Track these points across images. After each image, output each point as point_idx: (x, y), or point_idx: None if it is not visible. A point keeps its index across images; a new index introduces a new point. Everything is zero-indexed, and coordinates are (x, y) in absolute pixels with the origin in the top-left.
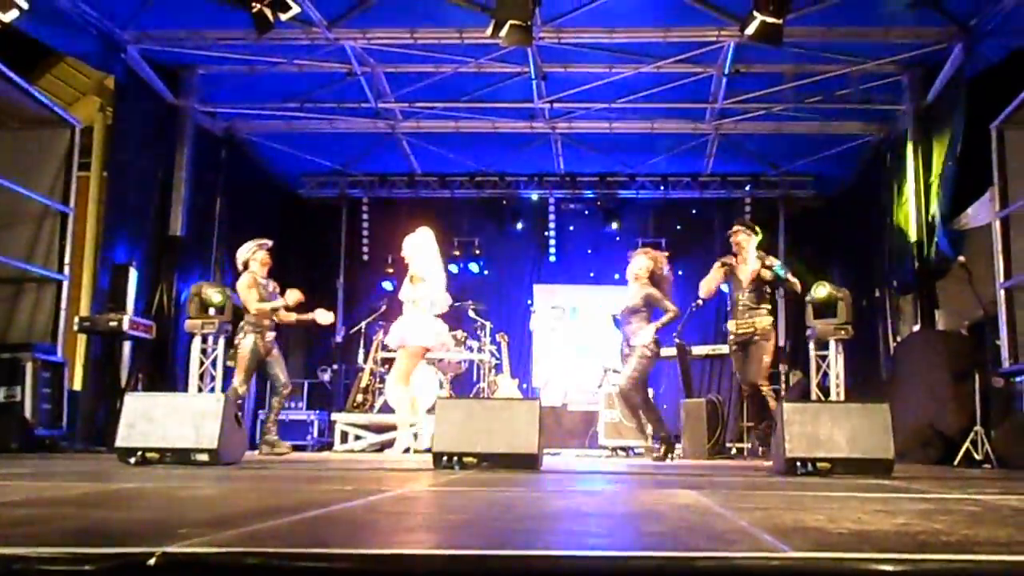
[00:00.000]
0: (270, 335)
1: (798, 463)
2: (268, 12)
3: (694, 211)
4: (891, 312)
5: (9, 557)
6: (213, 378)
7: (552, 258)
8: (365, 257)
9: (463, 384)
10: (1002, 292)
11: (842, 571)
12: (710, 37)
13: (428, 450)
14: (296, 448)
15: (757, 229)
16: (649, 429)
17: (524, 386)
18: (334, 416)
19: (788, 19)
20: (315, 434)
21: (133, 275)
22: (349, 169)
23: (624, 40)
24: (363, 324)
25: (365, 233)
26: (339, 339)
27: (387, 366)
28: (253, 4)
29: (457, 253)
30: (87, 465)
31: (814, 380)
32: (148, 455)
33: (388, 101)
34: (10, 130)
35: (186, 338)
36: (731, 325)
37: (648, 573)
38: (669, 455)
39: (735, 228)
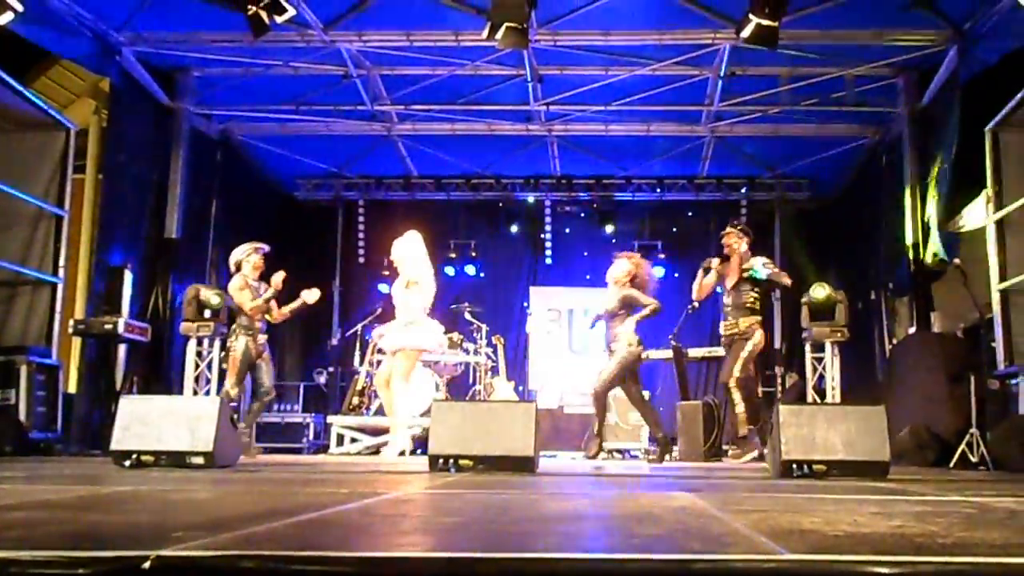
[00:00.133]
0: (262, 338)
1: (794, 465)
2: (264, 14)
3: (690, 213)
4: (887, 314)
5: (3, 561)
6: (208, 381)
7: (548, 260)
8: (361, 259)
9: (459, 387)
10: (997, 294)
11: (838, 573)
12: (706, 40)
13: (402, 453)
14: (292, 451)
15: (748, 231)
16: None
17: (520, 388)
18: (330, 419)
19: (784, 22)
20: (311, 437)
21: (128, 278)
22: (345, 171)
23: (620, 43)
24: (359, 326)
25: (361, 235)
26: (335, 341)
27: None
28: (249, 6)
29: (453, 255)
30: (82, 468)
31: (810, 382)
32: (143, 458)
33: (384, 103)
34: (5, 132)
35: (181, 341)
36: (720, 327)
37: (642, 574)
38: (666, 456)
39: (727, 231)
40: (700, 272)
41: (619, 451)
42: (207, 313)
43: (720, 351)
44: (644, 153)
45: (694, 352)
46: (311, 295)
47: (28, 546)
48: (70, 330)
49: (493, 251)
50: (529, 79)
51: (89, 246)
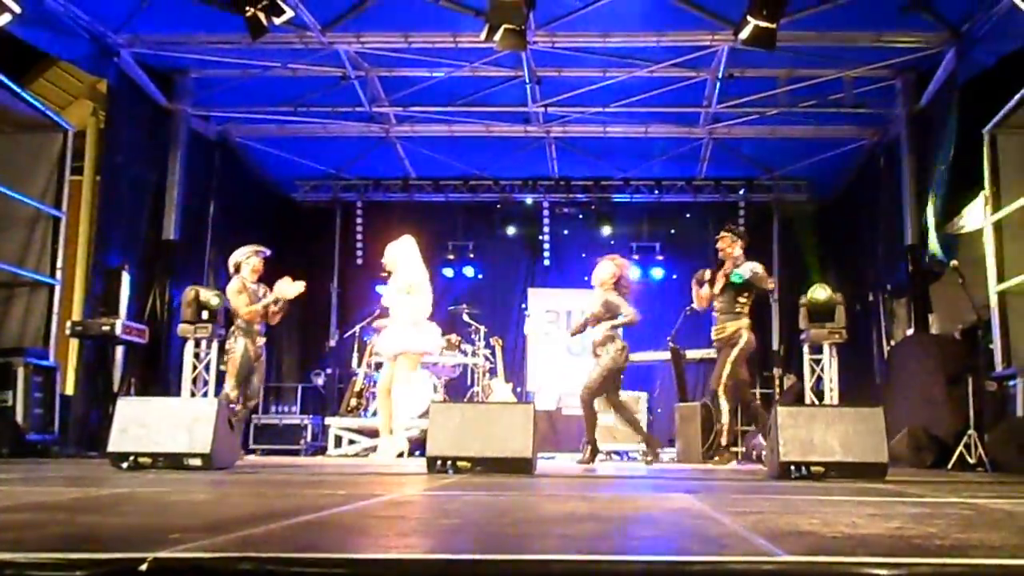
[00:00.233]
0: (260, 340)
1: (792, 467)
2: (262, 16)
3: (688, 215)
4: (885, 316)
5: (0, 563)
6: (206, 382)
7: (546, 262)
8: (359, 261)
9: (457, 388)
10: (995, 296)
11: (836, 575)
12: (704, 41)
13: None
14: (289, 452)
15: (742, 235)
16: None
17: (518, 390)
18: (328, 420)
19: (782, 23)
20: (309, 438)
21: (126, 279)
22: (343, 173)
23: (618, 44)
24: (357, 328)
25: (359, 237)
26: (333, 343)
27: (380, 370)
28: (247, 8)
29: (451, 257)
30: (79, 470)
31: (808, 384)
32: (141, 460)
33: (382, 105)
34: (2, 134)
35: (179, 342)
36: (711, 331)
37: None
38: (657, 451)
39: (721, 235)
40: (694, 284)
41: (616, 453)
42: (204, 315)
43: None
44: (642, 155)
45: (692, 354)
46: (287, 289)
47: (25, 548)
48: (67, 332)
49: (491, 253)
50: (527, 81)
51: (87, 248)
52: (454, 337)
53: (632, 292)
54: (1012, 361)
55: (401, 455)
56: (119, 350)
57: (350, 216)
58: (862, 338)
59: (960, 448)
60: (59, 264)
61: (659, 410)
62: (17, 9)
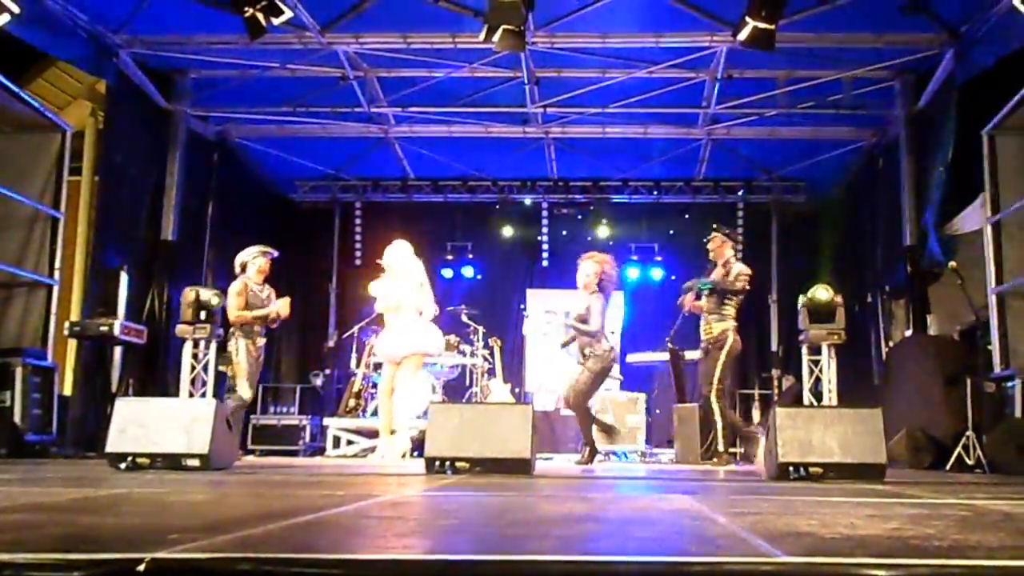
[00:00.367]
0: (261, 341)
1: (791, 468)
2: (260, 16)
3: (687, 216)
4: (883, 317)
5: None
6: (205, 383)
7: (545, 263)
8: (358, 262)
9: (456, 389)
10: (993, 297)
11: (834, 574)
12: (703, 42)
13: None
14: (288, 453)
15: (734, 236)
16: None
17: (517, 391)
18: (326, 421)
19: (780, 24)
20: (307, 439)
21: (124, 280)
22: (342, 174)
23: (617, 45)
24: (356, 329)
25: (358, 238)
26: (331, 344)
27: (379, 371)
28: (245, 8)
29: (450, 257)
30: (77, 470)
31: (807, 385)
32: (139, 460)
33: (381, 105)
34: (1, 134)
35: (178, 343)
36: (700, 331)
37: None
38: (592, 460)
39: (711, 236)
40: (684, 293)
41: (614, 453)
42: (203, 315)
43: None
44: (641, 155)
45: (691, 355)
46: (283, 310)
47: (23, 548)
48: (66, 332)
49: (490, 253)
50: (526, 81)
51: (85, 248)
52: (453, 338)
53: (613, 284)
54: (1010, 362)
55: (404, 455)
56: (117, 350)
57: (349, 217)
58: (861, 339)
59: (958, 449)
60: (57, 264)
61: (657, 411)
62: (16, 9)
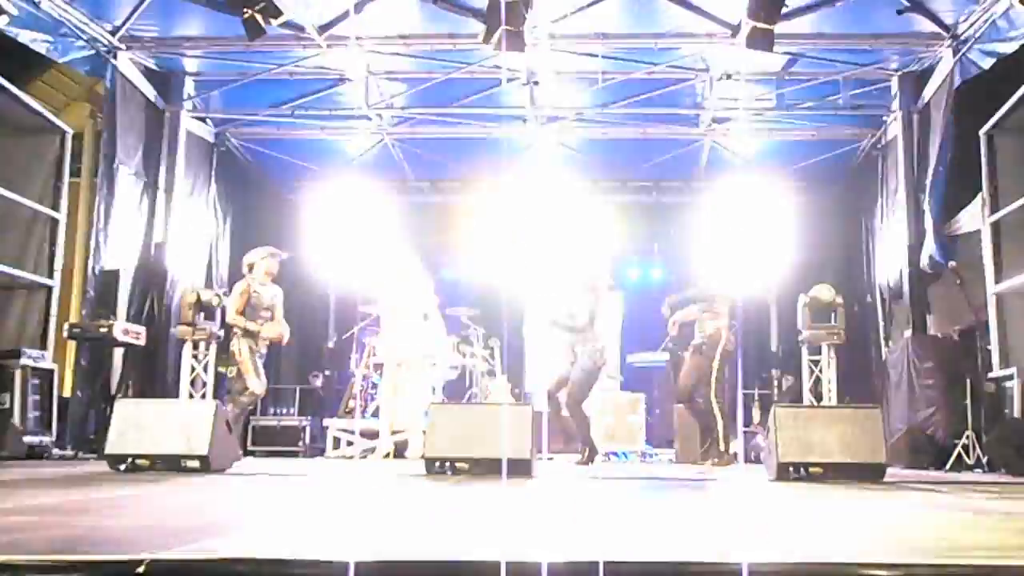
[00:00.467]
0: (263, 343)
1: (791, 468)
2: (259, 18)
3: (686, 216)
4: (883, 317)
5: None
6: (204, 384)
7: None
8: (358, 262)
9: (456, 389)
10: (993, 297)
11: (834, 575)
12: (702, 43)
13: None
14: (288, 454)
15: None
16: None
17: (517, 391)
18: (326, 422)
19: (779, 25)
20: (307, 440)
21: (124, 281)
22: (341, 175)
23: (616, 45)
24: (355, 329)
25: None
26: (331, 345)
27: (379, 372)
28: (244, 10)
29: (450, 258)
30: (77, 472)
31: (807, 385)
32: (138, 462)
33: (379, 107)
34: (0, 136)
35: (177, 344)
36: (694, 331)
37: None
38: (591, 461)
39: None
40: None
41: (614, 454)
42: (202, 317)
43: None
44: (640, 156)
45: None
46: (280, 337)
47: (23, 550)
48: (65, 334)
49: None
50: (525, 82)
51: (84, 249)
52: (453, 338)
53: (606, 284)
54: (1009, 362)
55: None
56: (117, 352)
57: (348, 217)
58: (860, 339)
59: (958, 449)
60: (57, 266)
61: (657, 411)
62: (13, 11)
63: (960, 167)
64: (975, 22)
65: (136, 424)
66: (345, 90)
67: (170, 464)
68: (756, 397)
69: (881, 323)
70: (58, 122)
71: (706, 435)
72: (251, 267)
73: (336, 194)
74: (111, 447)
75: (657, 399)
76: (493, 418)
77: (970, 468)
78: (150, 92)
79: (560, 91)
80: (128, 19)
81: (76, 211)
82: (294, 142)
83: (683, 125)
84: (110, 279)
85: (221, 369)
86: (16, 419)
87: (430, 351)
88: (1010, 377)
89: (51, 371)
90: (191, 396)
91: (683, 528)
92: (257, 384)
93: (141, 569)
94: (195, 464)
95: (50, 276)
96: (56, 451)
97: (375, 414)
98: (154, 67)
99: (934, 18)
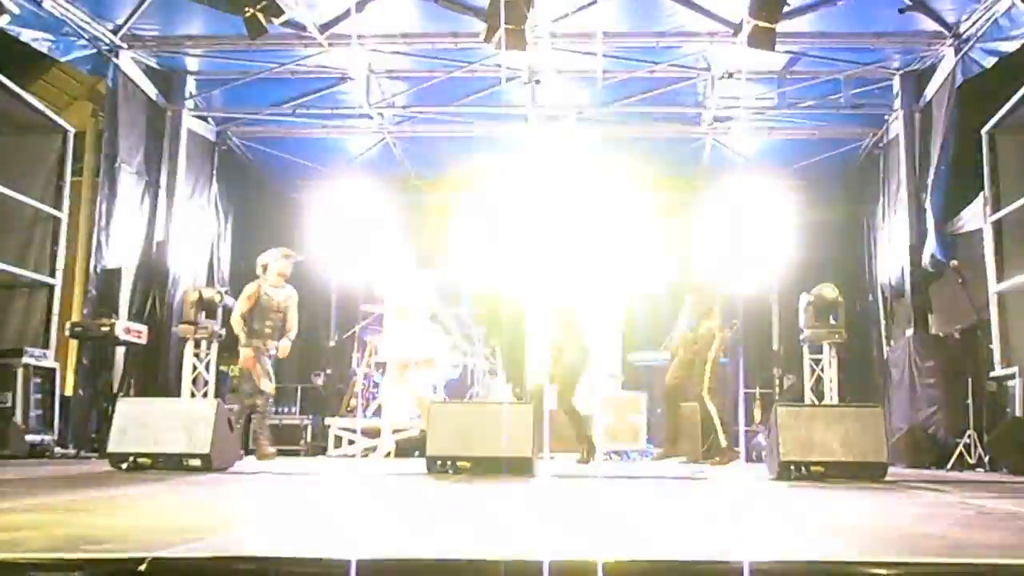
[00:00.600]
0: (271, 343)
1: (792, 467)
2: (261, 17)
3: (688, 215)
4: (884, 316)
5: (1, 563)
6: (206, 383)
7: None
8: (359, 261)
9: (457, 388)
10: (994, 296)
11: (837, 574)
12: (703, 41)
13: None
14: (289, 453)
15: None
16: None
17: (518, 390)
18: (327, 420)
19: (781, 24)
20: (308, 439)
21: (125, 280)
22: (342, 173)
23: (618, 44)
24: (356, 329)
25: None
26: (332, 344)
27: (380, 371)
28: (246, 9)
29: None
30: (79, 471)
31: (808, 384)
32: (140, 460)
33: (381, 105)
34: (2, 135)
35: (179, 343)
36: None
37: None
38: (592, 457)
39: None
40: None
41: (616, 452)
42: (204, 315)
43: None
44: (642, 155)
45: None
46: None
47: (25, 548)
48: (67, 332)
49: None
50: (527, 81)
51: (86, 248)
52: (455, 337)
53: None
54: (1011, 361)
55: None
56: (119, 351)
57: (349, 216)
58: (862, 338)
59: (959, 448)
60: (59, 265)
61: (659, 410)
62: (16, 10)
63: (961, 166)
64: (977, 21)
65: (138, 423)
66: (346, 89)
67: (172, 463)
68: (757, 396)
69: (883, 322)
70: (60, 121)
71: (706, 434)
72: (265, 268)
73: (337, 193)
74: (113, 446)
75: (658, 398)
76: (494, 417)
77: (971, 467)
78: (152, 91)
79: (561, 90)
80: (130, 18)
81: (78, 210)
82: (295, 141)
83: (684, 124)
84: (112, 278)
85: (223, 368)
86: (18, 418)
87: (435, 351)
88: (1011, 376)
89: (53, 370)
90: (193, 395)
91: (685, 527)
92: (268, 385)
93: (143, 567)
94: (197, 463)
95: (52, 275)
96: (58, 450)
97: (376, 413)
98: (156, 66)
99: (936, 17)
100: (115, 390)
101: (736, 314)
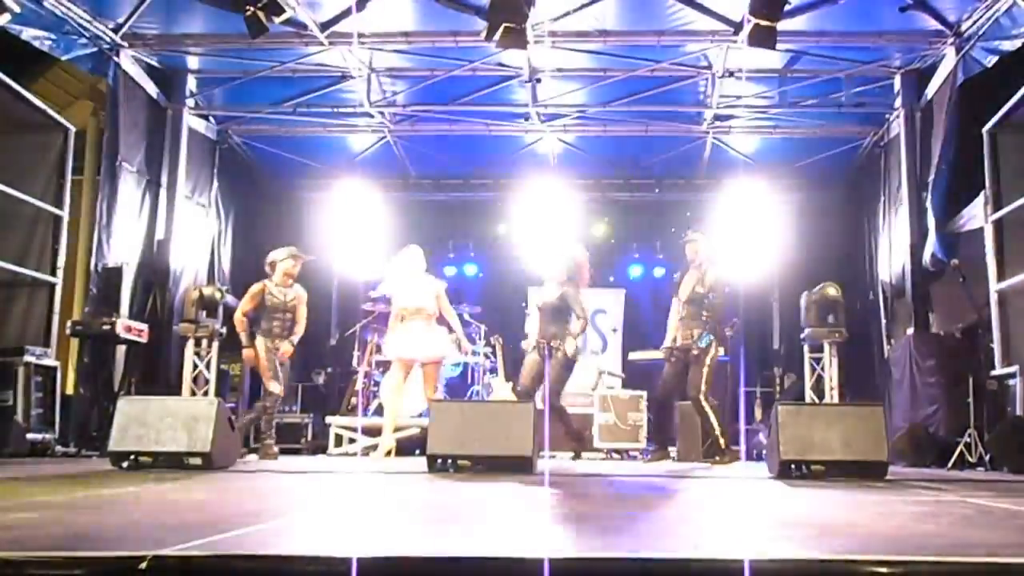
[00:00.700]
0: (281, 343)
1: (792, 466)
2: (262, 15)
3: (688, 213)
4: (885, 315)
5: (0, 562)
6: (207, 382)
7: None
8: (360, 260)
9: (457, 387)
10: (995, 295)
11: (837, 573)
12: (704, 40)
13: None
14: (290, 451)
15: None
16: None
17: (519, 389)
18: (328, 419)
19: (782, 22)
20: (309, 437)
21: (126, 278)
22: (343, 172)
23: (618, 43)
24: (357, 327)
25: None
26: (333, 342)
27: (381, 369)
28: (246, 7)
29: (451, 256)
30: (79, 469)
31: (808, 383)
32: (141, 459)
33: (382, 104)
34: (3, 134)
35: (180, 341)
36: (676, 335)
37: (642, 574)
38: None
39: (691, 238)
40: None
41: (618, 451)
42: (204, 314)
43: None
44: (642, 154)
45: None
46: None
47: (25, 547)
48: (68, 331)
49: (492, 251)
50: (527, 79)
51: (87, 247)
52: (454, 336)
53: (584, 280)
54: (1012, 360)
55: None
56: (120, 349)
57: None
58: (862, 337)
59: (960, 447)
60: (60, 263)
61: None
62: (17, 8)
63: (962, 165)
64: (978, 19)
65: (139, 421)
66: (347, 87)
67: (173, 461)
68: (758, 395)
69: (883, 321)
70: (61, 120)
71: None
72: (273, 266)
73: (338, 191)
74: (114, 444)
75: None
76: (495, 415)
77: (972, 466)
78: (152, 90)
79: (562, 88)
80: (130, 17)
81: (79, 208)
82: (296, 139)
83: (686, 122)
84: (113, 276)
85: (224, 366)
86: (19, 416)
87: (443, 352)
88: (1012, 375)
89: (54, 368)
90: (193, 393)
91: (684, 525)
92: (276, 386)
93: (143, 566)
94: (198, 461)
95: (53, 273)
96: (59, 448)
97: (377, 411)
98: (156, 65)
99: (937, 15)
100: (116, 389)
101: (737, 313)
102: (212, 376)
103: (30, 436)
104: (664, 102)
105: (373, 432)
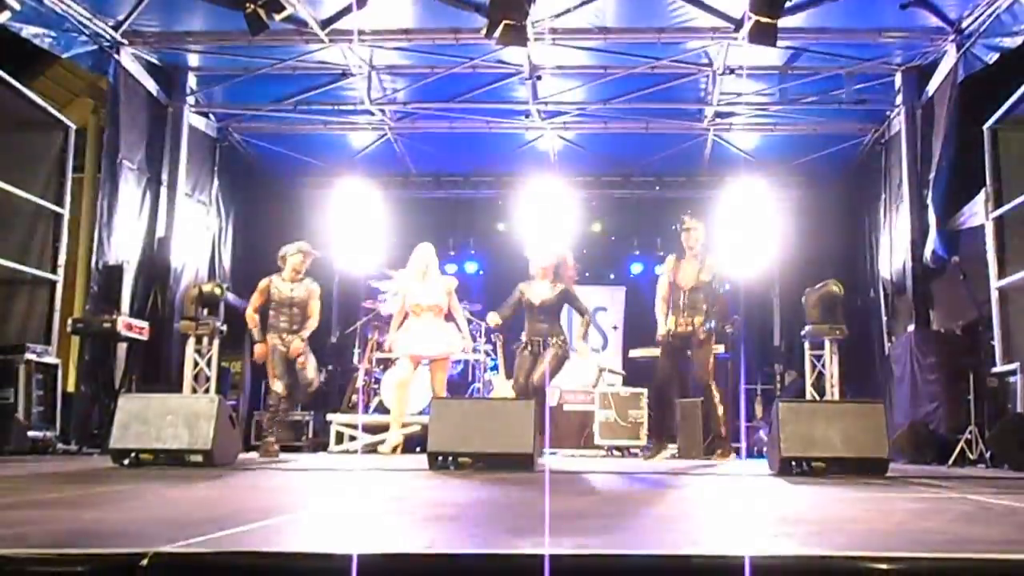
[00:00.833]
0: (291, 338)
1: (793, 463)
2: (262, 13)
3: (689, 211)
4: (886, 312)
5: (1, 558)
6: (208, 379)
7: None
8: (360, 259)
9: (458, 384)
10: (996, 292)
11: (837, 569)
12: (705, 37)
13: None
14: (291, 449)
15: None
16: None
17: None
18: (329, 416)
19: (782, 19)
20: (310, 434)
21: (127, 276)
22: (344, 170)
23: (618, 40)
24: (358, 324)
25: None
26: (334, 339)
27: (382, 367)
28: (247, 5)
29: (452, 253)
30: (80, 467)
31: (809, 380)
32: (142, 456)
33: (382, 102)
34: (4, 132)
35: (180, 339)
36: (677, 323)
37: (643, 572)
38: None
39: (689, 225)
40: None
41: (618, 448)
42: (205, 312)
43: (718, 347)
44: (643, 151)
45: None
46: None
47: (26, 544)
48: (69, 329)
49: (492, 248)
50: (527, 77)
51: (88, 244)
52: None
53: (572, 279)
54: (1012, 357)
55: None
56: (120, 347)
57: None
58: (863, 334)
59: (961, 444)
60: (60, 261)
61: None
62: (17, 6)
63: (963, 162)
64: (979, 16)
65: (139, 419)
66: (348, 85)
67: (174, 459)
68: (759, 392)
69: (884, 318)
70: (61, 117)
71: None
72: (283, 260)
73: (338, 189)
74: (114, 442)
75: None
76: (496, 413)
77: (973, 463)
78: (153, 87)
79: (563, 85)
80: (131, 14)
81: (79, 206)
82: (297, 137)
83: (686, 120)
84: (113, 274)
85: (225, 364)
86: (20, 414)
87: (456, 349)
88: (1013, 372)
89: (55, 366)
90: (194, 391)
91: (685, 522)
92: (278, 384)
93: (144, 562)
94: (199, 459)
95: (53, 271)
96: (60, 446)
97: (377, 409)
98: (157, 62)
99: (938, 12)
100: (117, 386)
101: (737, 310)
102: (213, 373)
103: (31, 434)
104: (664, 99)
105: (374, 429)
